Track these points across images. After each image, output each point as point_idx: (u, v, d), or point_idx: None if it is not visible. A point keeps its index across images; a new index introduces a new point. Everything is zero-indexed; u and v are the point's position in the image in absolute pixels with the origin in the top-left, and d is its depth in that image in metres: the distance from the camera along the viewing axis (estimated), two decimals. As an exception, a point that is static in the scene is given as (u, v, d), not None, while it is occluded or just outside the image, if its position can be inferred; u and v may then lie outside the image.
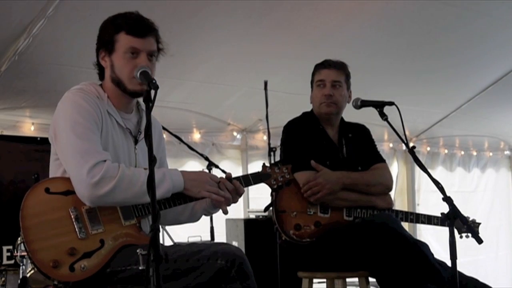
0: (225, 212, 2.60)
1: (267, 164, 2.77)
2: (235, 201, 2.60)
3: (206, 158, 4.94)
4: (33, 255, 2.28)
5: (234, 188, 2.56)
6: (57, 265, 2.27)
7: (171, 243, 4.62)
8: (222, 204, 2.55)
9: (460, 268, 2.65)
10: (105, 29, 2.50)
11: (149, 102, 2.05)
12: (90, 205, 2.33)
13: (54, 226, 2.31)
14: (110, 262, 2.35)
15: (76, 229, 2.32)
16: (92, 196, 2.28)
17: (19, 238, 3.95)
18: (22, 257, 3.84)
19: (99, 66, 2.57)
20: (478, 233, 3.32)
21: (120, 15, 2.49)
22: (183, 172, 2.48)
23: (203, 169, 5.03)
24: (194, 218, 2.76)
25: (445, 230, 2.56)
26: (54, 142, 2.46)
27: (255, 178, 2.68)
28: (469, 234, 3.20)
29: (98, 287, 2.34)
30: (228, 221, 5.63)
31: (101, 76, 2.58)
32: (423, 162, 2.99)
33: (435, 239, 7.79)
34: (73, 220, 2.33)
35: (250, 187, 2.71)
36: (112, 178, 2.28)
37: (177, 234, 5.18)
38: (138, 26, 2.46)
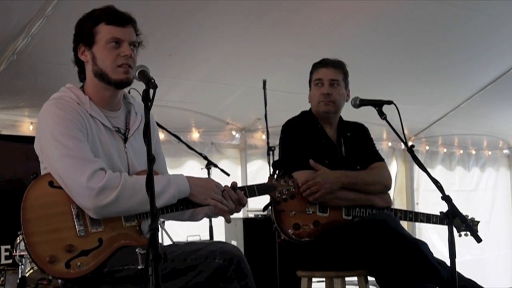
0: (228, 221, 2.59)
1: (268, 170, 2.77)
2: (237, 211, 2.58)
3: (205, 158, 4.94)
4: (31, 248, 2.27)
5: (238, 198, 2.55)
6: (54, 261, 2.26)
7: (170, 243, 4.62)
8: (225, 213, 2.54)
9: (461, 266, 2.65)
10: (82, 24, 2.47)
11: (148, 102, 2.04)
12: (94, 216, 2.31)
13: (55, 221, 2.31)
14: (107, 262, 2.34)
15: (76, 226, 2.31)
16: (96, 207, 2.26)
17: (18, 238, 3.96)
18: (21, 256, 3.84)
19: (78, 64, 2.53)
20: (477, 231, 3.33)
21: (96, 10, 2.47)
22: (189, 178, 2.46)
23: (202, 168, 5.04)
24: (194, 219, 2.76)
25: (447, 228, 2.56)
26: (41, 155, 2.42)
27: (260, 189, 2.66)
28: (468, 233, 3.20)
29: (95, 286, 2.34)
30: (227, 220, 5.62)
31: (81, 75, 2.55)
32: (422, 161, 2.99)
33: (437, 238, 7.80)
34: (74, 216, 2.32)
35: (247, 184, 2.70)
36: (114, 187, 2.26)
37: (176, 233, 5.18)
38: (117, 15, 2.45)
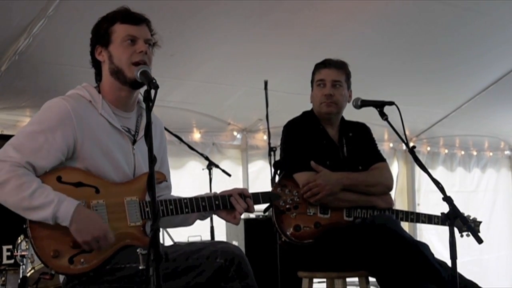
0: (236, 224, 2.64)
1: (269, 171, 2.78)
2: None
3: (207, 158, 4.95)
4: (35, 241, 2.28)
5: (247, 206, 2.59)
6: (58, 256, 2.28)
7: (171, 243, 4.62)
8: (231, 219, 2.61)
9: (461, 267, 2.65)
10: (99, 26, 2.51)
11: (149, 102, 2.05)
12: None
13: None
14: (110, 260, 2.35)
15: None
16: None
17: (19, 238, 3.96)
18: (22, 256, 3.85)
19: (95, 65, 2.56)
20: (478, 232, 3.33)
21: (110, 12, 2.51)
22: (79, 213, 2.27)
23: (203, 169, 5.05)
24: (186, 223, 2.76)
25: (447, 230, 2.56)
26: None
27: (264, 197, 2.68)
28: (469, 233, 3.20)
29: (96, 284, 2.35)
30: (228, 221, 5.62)
31: (98, 76, 2.57)
32: (423, 162, 2.99)
33: (437, 239, 7.80)
34: None
35: (249, 186, 2.71)
36: None
37: (177, 233, 5.18)
38: (132, 15, 2.48)
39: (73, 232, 2.27)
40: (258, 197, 2.66)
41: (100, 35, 2.49)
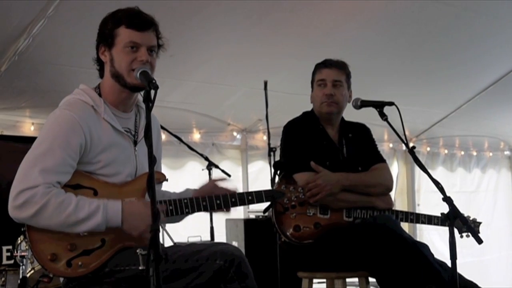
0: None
1: (269, 171, 2.77)
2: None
3: (206, 158, 4.95)
4: (33, 245, 2.28)
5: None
6: (55, 259, 2.28)
7: (171, 244, 4.62)
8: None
9: (462, 268, 2.64)
10: (105, 24, 2.47)
11: (149, 102, 2.04)
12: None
13: None
14: (108, 262, 2.34)
15: None
16: (14, 217, 2.26)
17: (19, 238, 3.96)
18: (22, 257, 3.84)
19: (99, 62, 2.54)
20: (478, 232, 3.33)
21: (120, 10, 2.47)
22: (126, 208, 2.33)
23: (202, 169, 5.04)
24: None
25: (448, 229, 2.56)
26: None
27: (267, 195, 2.66)
28: (470, 234, 3.19)
29: (96, 285, 2.34)
30: (228, 221, 5.63)
31: (101, 72, 2.55)
32: (423, 162, 2.98)
33: (438, 239, 7.80)
34: None
35: (248, 185, 2.71)
36: (35, 203, 2.21)
37: (177, 233, 5.18)
38: (138, 20, 2.43)
39: (126, 231, 2.32)
40: (261, 195, 2.64)
41: (105, 36, 2.46)
